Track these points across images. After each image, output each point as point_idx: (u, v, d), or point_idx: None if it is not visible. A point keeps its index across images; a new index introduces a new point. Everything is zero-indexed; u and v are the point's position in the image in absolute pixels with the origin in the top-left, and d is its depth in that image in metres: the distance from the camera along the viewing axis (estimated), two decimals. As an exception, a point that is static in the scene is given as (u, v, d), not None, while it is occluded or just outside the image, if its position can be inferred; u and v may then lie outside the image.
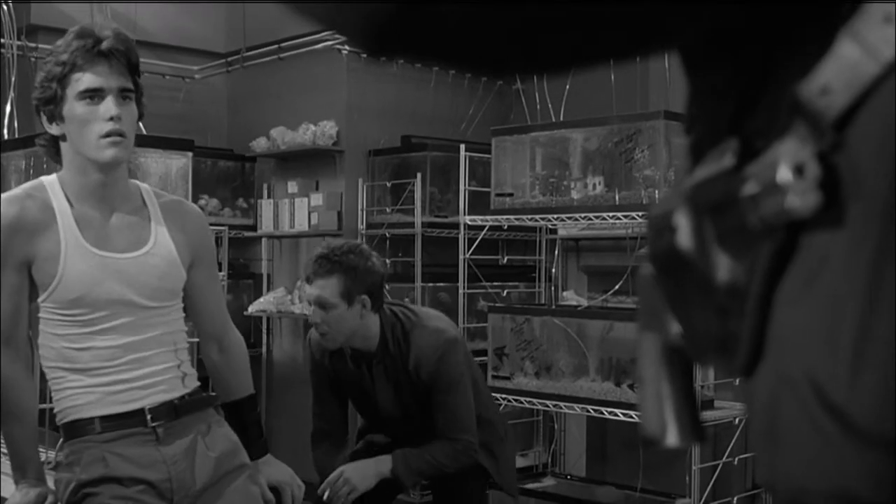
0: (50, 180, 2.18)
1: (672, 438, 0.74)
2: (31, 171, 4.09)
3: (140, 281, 2.17)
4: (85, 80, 2.10)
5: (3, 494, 3.42)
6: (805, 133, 0.58)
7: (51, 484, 2.23)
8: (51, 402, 2.25)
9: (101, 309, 2.14)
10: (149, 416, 2.17)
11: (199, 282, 2.33)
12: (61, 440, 2.25)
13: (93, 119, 2.11)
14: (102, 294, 2.13)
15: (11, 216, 2.10)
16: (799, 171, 0.58)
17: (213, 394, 2.39)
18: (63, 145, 2.17)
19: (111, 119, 2.10)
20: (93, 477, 2.12)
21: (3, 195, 2.17)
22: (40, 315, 2.16)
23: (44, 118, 2.16)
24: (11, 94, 5.08)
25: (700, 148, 0.70)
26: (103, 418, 2.15)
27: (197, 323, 2.41)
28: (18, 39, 5.26)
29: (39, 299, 2.14)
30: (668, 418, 0.75)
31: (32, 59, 5.42)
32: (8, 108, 5.07)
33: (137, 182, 2.33)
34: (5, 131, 5.01)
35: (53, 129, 2.16)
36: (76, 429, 2.17)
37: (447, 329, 3.12)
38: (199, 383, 2.30)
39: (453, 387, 3.02)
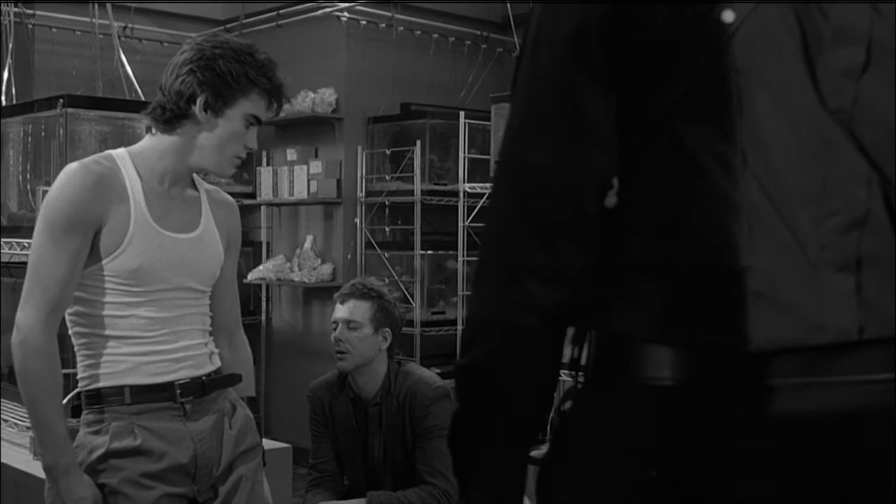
0: (119, 154, 2.17)
1: None
2: (30, 139, 4.08)
3: (191, 262, 2.19)
4: (261, 106, 2.18)
5: (3, 461, 3.44)
6: None
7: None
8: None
9: (152, 284, 2.14)
10: (178, 391, 2.17)
11: (225, 272, 2.33)
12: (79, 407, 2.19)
13: (240, 140, 2.17)
14: (158, 270, 2.13)
15: (90, 183, 2.08)
16: None
17: (237, 373, 2.37)
18: (185, 127, 2.16)
19: (249, 149, 2.22)
20: (122, 447, 2.11)
21: (75, 164, 2.12)
22: (86, 282, 2.12)
23: (202, 97, 2.12)
24: (9, 60, 5.06)
25: None
26: (133, 388, 2.13)
27: (212, 312, 2.37)
28: (16, 6, 5.24)
29: (100, 263, 2.11)
30: None
31: (30, 27, 5.39)
32: (6, 75, 5.05)
33: None
34: (3, 98, 4.99)
35: (199, 113, 2.13)
36: (103, 396, 2.14)
37: (444, 384, 3.28)
38: (220, 364, 2.30)
39: (439, 434, 3.12)
